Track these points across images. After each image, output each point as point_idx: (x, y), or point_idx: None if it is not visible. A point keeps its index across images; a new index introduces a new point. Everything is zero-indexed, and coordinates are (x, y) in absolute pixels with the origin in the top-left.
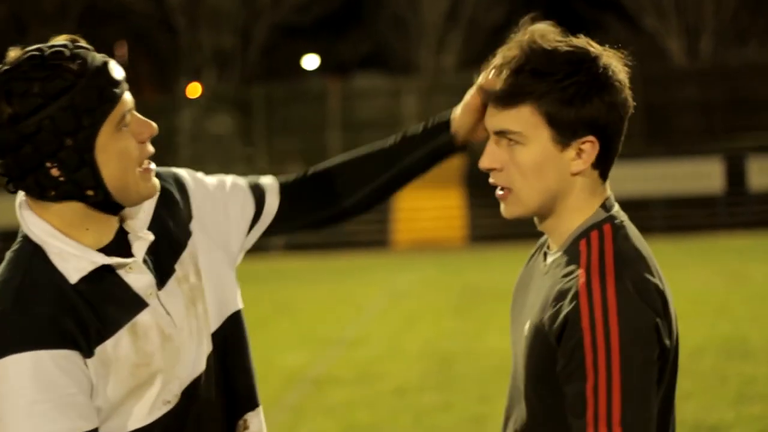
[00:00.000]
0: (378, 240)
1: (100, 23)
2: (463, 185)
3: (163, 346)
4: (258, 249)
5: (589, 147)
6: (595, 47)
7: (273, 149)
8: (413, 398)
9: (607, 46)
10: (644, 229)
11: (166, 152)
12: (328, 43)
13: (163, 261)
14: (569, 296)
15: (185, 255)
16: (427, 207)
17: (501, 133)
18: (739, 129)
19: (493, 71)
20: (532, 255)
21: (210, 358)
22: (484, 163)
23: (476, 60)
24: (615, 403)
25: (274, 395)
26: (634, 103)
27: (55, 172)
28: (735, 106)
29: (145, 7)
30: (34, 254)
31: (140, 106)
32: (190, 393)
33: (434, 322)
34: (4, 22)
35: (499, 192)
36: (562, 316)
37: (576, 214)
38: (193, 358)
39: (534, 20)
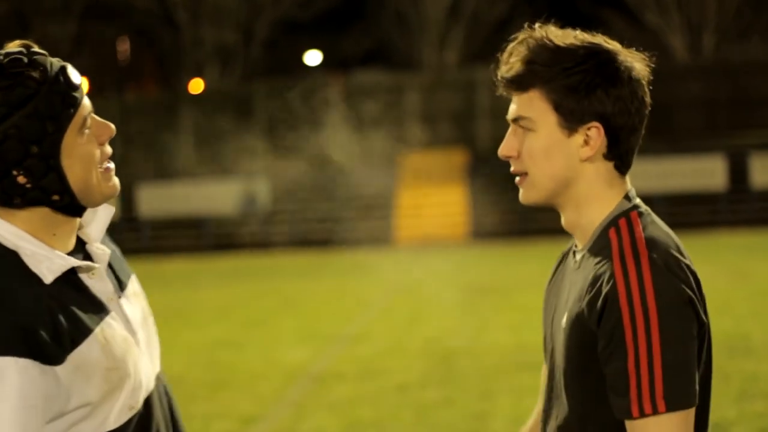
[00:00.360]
0: (381, 236)
1: (102, 19)
2: (466, 182)
3: (129, 351)
4: (261, 245)
5: (595, 133)
6: (611, 44)
7: (275, 145)
8: (415, 394)
9: (625, 45)
10: None
11: (169, 147)
12: (330, 39)
13: (119, 275)
14: (605, 279)
15: (134, 283)
16: (430, 204)
17: (516, 121)
18: (741, 126)
19: (508, 58)
20: (559, 262)
21: (159, 380)
22: (501, 151)
23: (479, 56)
24: (657, 377)
25: (277, 391)
26: (649, 102)
27: (21, 179)
28: (738, 102)
29: (147, 3)
30: (5, 258)
31: (142, 102)
32: (149, 404)
33: (437, 319)
34: (6, 18)
35: (516, 179)
36: (600, 298)
37: (595, 206)
38: (148, 370)
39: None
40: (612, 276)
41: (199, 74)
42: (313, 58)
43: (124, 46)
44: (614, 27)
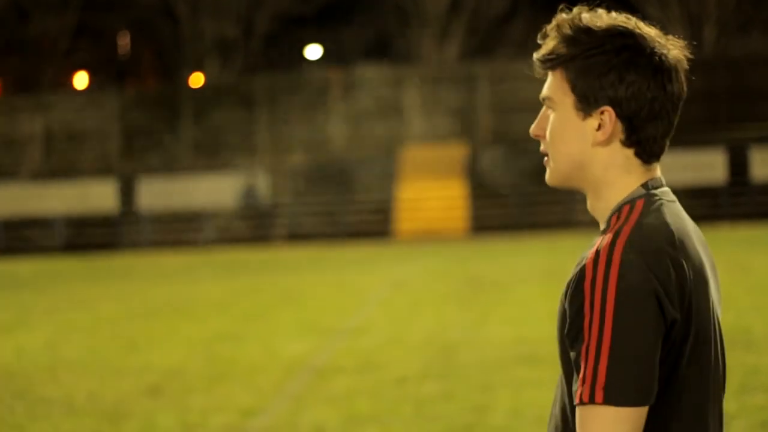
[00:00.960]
0: (381, 230)
1: (101, 12)
2: (466, 176)
3: None
4: (261, 239)
5: (607, 118)
6: (643, 29)
7: (275, 139)
8: (415, 387)
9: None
10: None
11: (169, 141)
12: (331, 33)
13: None
14: (581, 262)
15: None
16: (430, 197)
17: (544, 101)
18: (742, 119)
19: (543, 40)
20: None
21: None
22: (532, 130)
23: (479, 50)
24: (601, 365)
25: (277, 384)
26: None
27: None
28: (738, 96)
29: None
30: None
31: (142, 96)
32: None
33: (436, 312)
34: (6, 10)
35: (545, 159)
36: (573, 281)
37: (611, 191)
38: None
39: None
40: (584, 259)
41: (199, 68)
42: (313, 51)
43: (124, 40)
44: None
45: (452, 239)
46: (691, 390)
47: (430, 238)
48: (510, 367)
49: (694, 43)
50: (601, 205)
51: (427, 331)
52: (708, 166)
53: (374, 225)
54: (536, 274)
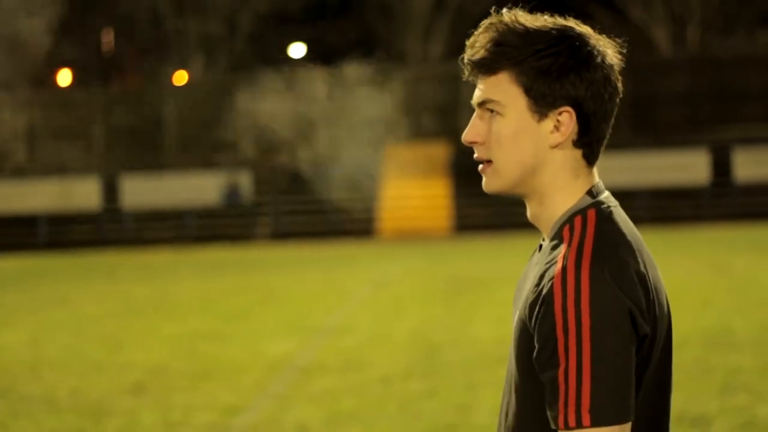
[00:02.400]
0: (364, 229)
1: (85, 9)
2: (449, 175)
3: None
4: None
5: (567, 118)
6: (583, 28)
7: (258, 138)
8: (399, 386)
9: (597, 31)
10: (630, 220)
11: (152, 140)
12: (315, 32)
13: None
14: (546, 281)
15: None
16: (413, 196)
17: (483, 105)
18: (725, 120)
19: (476, 42)
20: (532, 255)
21: None
22: (466, 136)
23: (463, 49)
24: (585, 389)
25: (260, 383)
26: (622, 90)
27: None
28: (721, 96)
29: None
30: None
31: (126, 94)
32: None
33: (420, 311)
34: None
35: (480, 166)
36: (539, 302)
37: (558, 196)
38: None
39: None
40: (551, 279)
41: (183, 66)
42: (297, 50)
43: (107, 37)
44: (598, 20)
45: (436, 238)
46: (654, 396)
47: (414, 237)
48: (494, 367)
49: (626, 43)
50: (547, 214)
51: (411, 329)
52: (691, 166)
53: (357, 224)
54: (520, 274)
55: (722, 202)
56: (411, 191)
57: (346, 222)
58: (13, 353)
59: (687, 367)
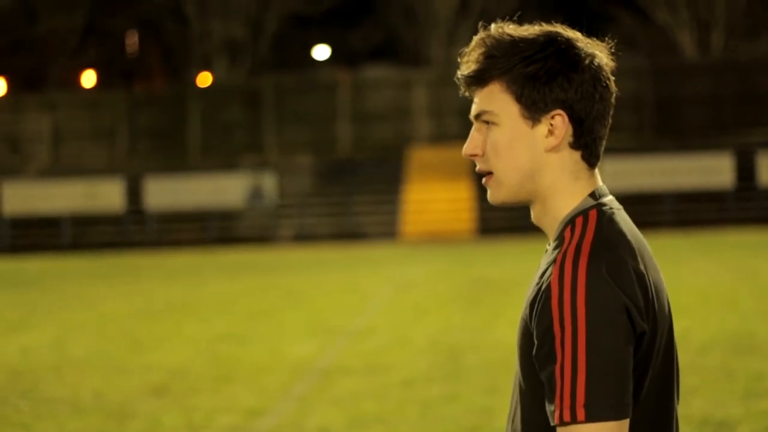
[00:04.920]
0: (387, 231)
1: (110, 12)
2: (473, 178)
3: None
4: (267, 239)
5: (559, 121)
6: (571, 32)
7: (282, 140)
8: (421, 389)
9: (594, 37)
10: (653, 224)
11: (176, 140)
12: (339, 34)
13: None
14: (545, 279)
15: None
16: (437, 199)
17: (479, 117)
18: (749, 124)
19: (467, 57)
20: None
21: None
22: (465, 150)
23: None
24: (579, 385)
25: (282, 385)
26: (617, 92)
27: None
28: (746, 100)
29: None
30: None
31: (150, 96)
32: None
33: (442, 314)
34: (14, 10)
35: (483, 179)
36: (537, 300)
37: (560, 199)
38: None
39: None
40: (549, 277)
41: (207, 68)
42: (321, 52)
43: (132, 39)
44: (623, 24)
45: (459, 241)
46: (658, 399)
47: (437, 239)
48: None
49: (617, 48)
50: (550, 217)
51: (433, 332)
52: (715, 170)
53: (381, 226)
54: None
55: (746, 206)
56: (435, 194)
57: (370, 224)
58: (37, 354)
59: (710, 371)
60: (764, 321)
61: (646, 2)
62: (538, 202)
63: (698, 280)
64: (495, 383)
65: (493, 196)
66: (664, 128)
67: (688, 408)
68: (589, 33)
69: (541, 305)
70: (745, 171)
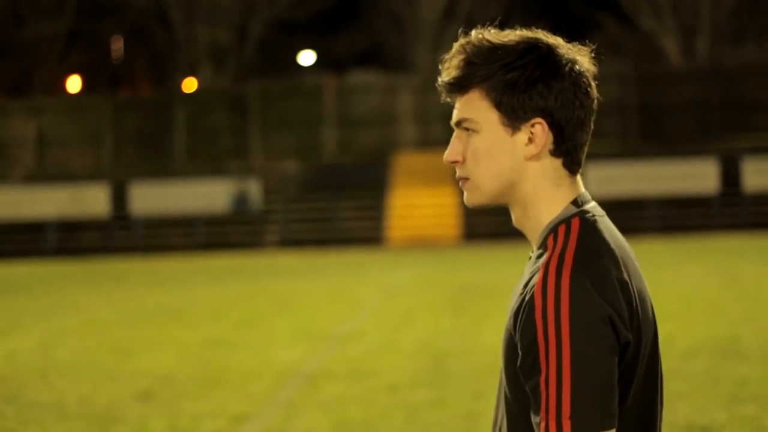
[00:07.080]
0: (373, 237)
1: (95, 17)
2: (458, 184)
3: None
4: (253, 245)
5: (539, 129)
6: (552, 38)
7: (268, 145)
8: (406, 395)
9: (575, 43)
10: (639, 229)
11: (162, 146)
12: (325, 40)
13: None
14: (528, 290)
15: None
16: (422, 204)
17: (459, 125)
18: (734, 129)
19: (447, 64)
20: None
21: None
22: (446, 156)
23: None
24: (565, 396)
25: (268, 390)
26: (599, 98)
27: None
28: (731, 106)
29: (141, 2)
30: None
31: (135, 101)
32: None
33: (428, 320)
34: (1, 16)
35: (461, 182)
36: (521, 310)
37: (541, 206)
38: None
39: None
40: (533, 288)
41: (192, 73)
42: (306, 58)
43: (117, 45)
44: (609, 30)
45: (444, 246)
46: (642, 407)
47: (422, 245)
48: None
49: (602, 54)
50: (532, 224)
51: (419, 338)
52: (700, 176)
53: (366, 232)
54: None
55: (731, 212)
56: (420, 200)
57: (355, 230)
58: (23, 359)
59: (695, 376)
60: (749, 326)
61: (632, 8)
62: (518, 207)
63: (683, 285)
64: (481, 388)
65: (468, 198)
66: (649, 134)
67: (673, 413)
68: (573, 39)
69: (524, 316)
70: (730, 177)
